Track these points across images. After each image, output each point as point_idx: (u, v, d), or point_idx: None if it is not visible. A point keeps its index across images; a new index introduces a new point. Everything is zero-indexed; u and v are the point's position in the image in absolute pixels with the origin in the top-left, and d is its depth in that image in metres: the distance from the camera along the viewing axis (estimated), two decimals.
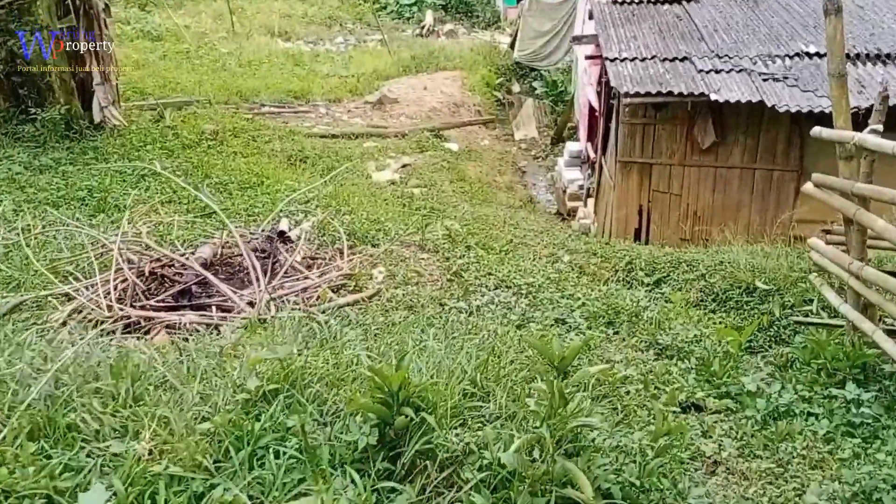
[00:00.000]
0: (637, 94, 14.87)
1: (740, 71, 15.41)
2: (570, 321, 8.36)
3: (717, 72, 15.40)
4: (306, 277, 9.11)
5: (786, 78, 15.04)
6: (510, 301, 8.76)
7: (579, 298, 9.13)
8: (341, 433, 4.41)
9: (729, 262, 12.41)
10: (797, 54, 15.96)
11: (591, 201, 19.07)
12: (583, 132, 20.77)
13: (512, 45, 30.83)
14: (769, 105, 14.28)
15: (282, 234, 10.90)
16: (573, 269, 13.14)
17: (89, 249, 9.31)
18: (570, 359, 4.42)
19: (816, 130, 7.96)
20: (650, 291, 12.08)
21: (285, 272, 9.30)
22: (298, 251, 10.05)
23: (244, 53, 29.64)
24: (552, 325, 8.16)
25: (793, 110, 14.19)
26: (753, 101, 14.41)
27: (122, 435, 4.59)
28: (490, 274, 9.68)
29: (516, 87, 29.74)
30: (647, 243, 15.89)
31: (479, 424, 4.74)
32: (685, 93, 14.78)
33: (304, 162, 18.35)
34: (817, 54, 15.74)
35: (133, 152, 14.44)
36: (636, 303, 9.14)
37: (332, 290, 9.09)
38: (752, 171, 15.56)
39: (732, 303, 11.65)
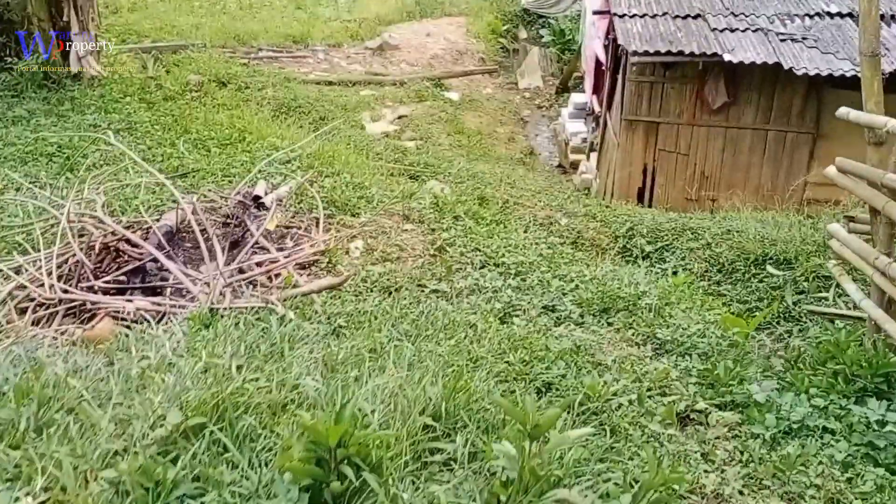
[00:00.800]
0: (646, 53, 14.00)
1: (756, 30, 14.53)
2: (560, 309, 7.60)
3: (732, 30, 14.54)
4: (274, 257, 8.31)
5: (805, 38, 14.17)
6: (496, 283, 8.00)
7: (572, 280, 8.36)
8: (269, 489, 3.69)
9: (737, 231, 11.70)
10: (817, 13, 15.12)
11: (593, 156, 18.22)
12: (588, 84, 19.85)
13: None
14: (786, 68, 13.45)
15: (256, 199, 10.13)
16: (571, 234, 12.42)
17: (38, 218, 8.57)
18: (545, 427, 3.64)
19: (843, 111, 7.13)
20: (651, 266, 11.35)
21: (253, 246, 8.54)
22: (269, 221, 9.29)
23: None
24: (540, 314, 7.40)
25: (811, 73, 13.34)
26: (769, 62, 13.57)
27: (15, 479, 3.89)
28: (477, 250, 8.91)
29: (523, 34, 28.67)
30: (650, 205, 15.16)
31: (439, 471, 4.03)
32: (697, 52, 13.95)
33: (297, 111, 17.52)
34: (839, 14, 14.92)
35: (112, 104, 13.62)
36: (634, 285, 8.36)
37: (304, 267, 8.35)
38: (764, 131, 14.74)
39: (739, 275, 10.96)
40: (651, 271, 10.41)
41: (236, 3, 28.00)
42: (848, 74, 13.18)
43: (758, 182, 14.84)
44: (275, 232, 9.44)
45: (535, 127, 22.55)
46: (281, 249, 9.13)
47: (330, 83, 20.75)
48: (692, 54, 13.99)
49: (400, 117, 18.54)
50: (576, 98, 20.94)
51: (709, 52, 13.91)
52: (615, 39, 15.61)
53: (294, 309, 6.81)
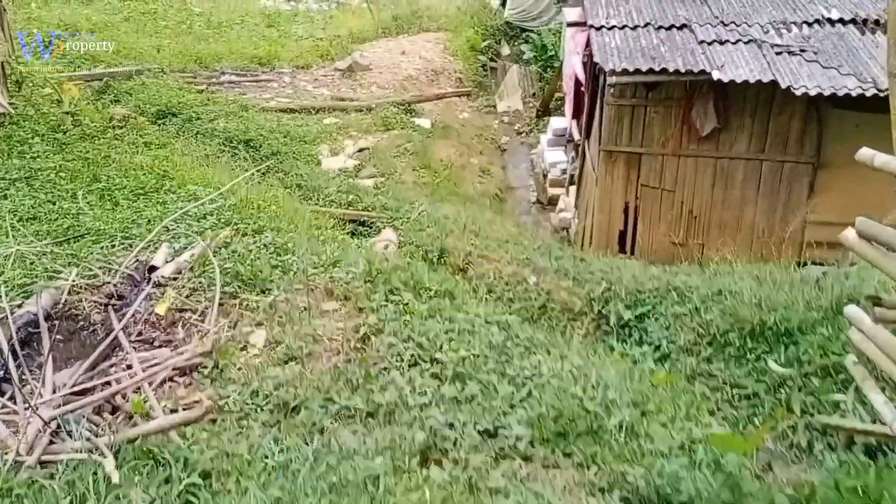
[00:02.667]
0: (625, 72, 12.24)
1: (749, 42, 12.78)
2: (505, 435, 5.85)
3: (722, 43, 12.78)
4: (147, 360, 6.56)
5: (803, 51, 12.40)
6: (425, 396, 6.26)
7: (526, 382, 6.62)
8: None
9: (730, 293, 9.97)
10: (817, 21, 13.33)
11: (573, 190, 16.50)
12: (568, 108, 18.03)
13: (503, 3, 27.92)
14: (783, 86, 11.67)
15: (152, 270, 8.42)
16: (539, 296, 10.72)
17: None
18: None
19: (867, 155, 5.38)
20: (629, 338, 9.67)
21: (113, 348, 6.80)
22: (159, 303, 7.58)
23: (218, 13, 27.01)
24: (477, 445, 5.66)
25: (812, 93, 11.58)
26: (764, 80, 11.80)
27: None
28: (410, 339, 7.14)
29: (506, 50, 26.99)
30: (633, 250, 13.50)
31: None
32: (682, 70, 12.19)
33: (246, 146, 15.79)
34: (841, 21, 13.21)
35: (18, 146, 11.85)
36: (603, 388, 6.61)
37: (185, 373, 6.62)
38: (759, 162, 13.02)
39: (733, 350, 9.23)
40: (626, 357, 8.65)
41: (205, 21, 26.36)
42: (854, 93, 11.47)
43: (752, 221, 13.13)
44: (165, 317, 7.72)
45: (513, 155, 20.77)
46: (168, 343, 7.44)
47: (292, 111, 19.06)
48: (677, 72, 12.24)
49: (360, 150, 16.76)
50: (555, 123, 19.18)
51: (696, 69, 12.16)
52: (592, 56, 13.90)
53: (140, 454, 5.08)
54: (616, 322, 10.18)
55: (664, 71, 12.26)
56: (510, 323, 8.06)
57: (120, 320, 7.31)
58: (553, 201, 17.41)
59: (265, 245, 9.04)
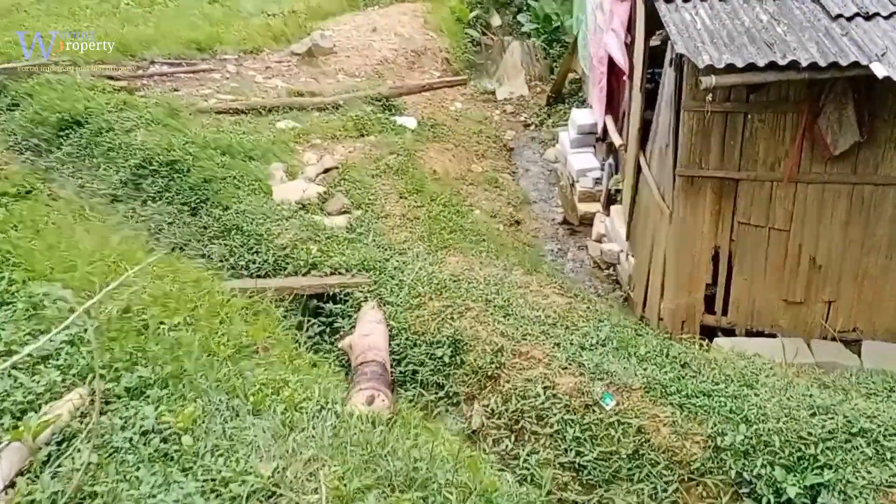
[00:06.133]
0: (730, 69, 7.83)
1: None
2: None
3: (868, 17, 8.36)
4: None
5: None
6: None
7: None
8: None
9: None
10: None
11: (616, 210, 12.29)
12: (598, 99, 13.69)
13: None
14: None
15: None
16: (625, 438, 6.60)
17: None
18: None
19: None
20: None
21: None
22: None
23: None
24: None
25: None
26: None
27: None
28: None
29: (496, 21, 22.70)
30: (724, 311, 9.38)
31: None
32: (824, 63, 7.69)
33: (169, 170, 11.43)
34: None
35: None
36: None
37: None
38: None
39: None
40: None
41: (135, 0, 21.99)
42: None
43: None
44: None
45: (522, 155, 16.37)
46: None
47: (236, 111, 14.62)
48: (815, 66, 7.75)
49: (327, 171, 12.30)
50: (578, 117, 14.74)
51: (844, 62, 7.67)
52: (666, 41, 9.60)
53: None
54: (772, 498, 6.03)
55: (793, 65, 7.73)
56: None
57: None
58: (585, 221, 13.15)
59: (143, 434, 4.76)
